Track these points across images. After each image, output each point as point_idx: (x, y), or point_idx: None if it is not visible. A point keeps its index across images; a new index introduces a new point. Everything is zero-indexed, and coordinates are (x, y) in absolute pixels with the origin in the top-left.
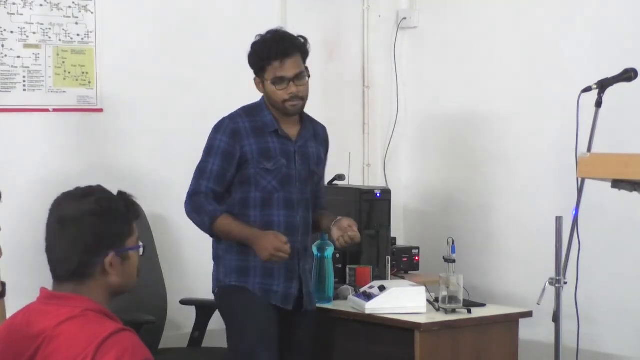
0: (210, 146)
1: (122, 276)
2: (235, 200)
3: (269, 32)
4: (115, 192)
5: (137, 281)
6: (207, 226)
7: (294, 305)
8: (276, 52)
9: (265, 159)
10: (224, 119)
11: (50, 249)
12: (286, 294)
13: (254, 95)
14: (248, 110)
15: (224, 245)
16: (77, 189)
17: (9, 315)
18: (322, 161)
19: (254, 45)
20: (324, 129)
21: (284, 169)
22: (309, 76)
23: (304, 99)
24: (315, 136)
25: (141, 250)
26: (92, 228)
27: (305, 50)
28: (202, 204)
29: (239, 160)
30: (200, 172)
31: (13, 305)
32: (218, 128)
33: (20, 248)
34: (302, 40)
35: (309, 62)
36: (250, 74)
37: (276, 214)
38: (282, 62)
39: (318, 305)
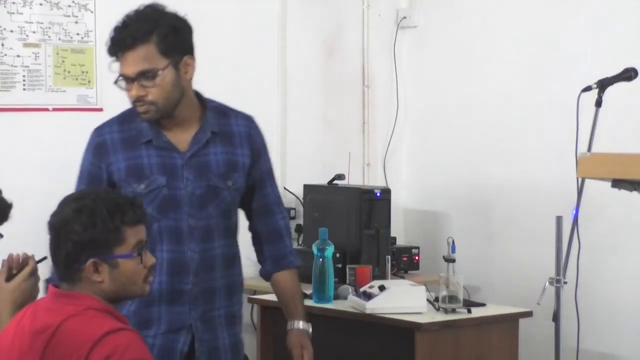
0: (79, 167)
1: (114, 282)
2: None
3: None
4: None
5: (144, 287)
6: None
7: None
8: (114, 42)
9: (136, 180)
10: (93, 130)
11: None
12: (167, 348)
13: (255, 95)
14: (125, 115)
15: None
16: (73, 194)
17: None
18: (238, 168)
19: None
20: (247, 121)
21: (163, 190)
22: (184, 67)
23: (155, 103)
24: (228, 136)
25: (142, 258)
26: (69, 236)
27: (165, 35)
28: None
29: (109, 183)
30: None
31: None
32: (87, 142)
33: (19, 248)
34: (156, 23)
35: (308, 62)
36: (250, 73)
37: (159, 250)
38: (124, 56)
39: (318, 304)
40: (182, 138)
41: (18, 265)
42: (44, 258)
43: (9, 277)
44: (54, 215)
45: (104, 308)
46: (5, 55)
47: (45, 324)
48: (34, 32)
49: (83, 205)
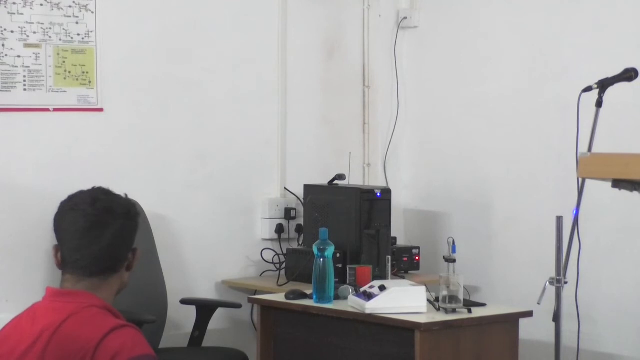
0: None
1: (121, 285)
2: None
3: None
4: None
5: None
6: None
7: None
8: None
9: None
10: None
11: (87, 245)
12: None
13: (254, 94)
14: None
15: None
16: (98, 189)
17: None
18: None
19: None
20: None
21: None
22: None
23: None
24: None
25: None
26: (133, 222)
27: None
28: None
29: None
30: None
31: (20, 303)
32: None
33: (19, 247)
34: None
35: (308, 62)
36: (250, 73)
37: None
38: None
39: (318, 304)
40: None
41: None
42: None
43: None
44: (112, 205)
45: (105, 306)
46: (6, 55)
47: (46, 323)
48: (34, 33)
49: (127, 197)
